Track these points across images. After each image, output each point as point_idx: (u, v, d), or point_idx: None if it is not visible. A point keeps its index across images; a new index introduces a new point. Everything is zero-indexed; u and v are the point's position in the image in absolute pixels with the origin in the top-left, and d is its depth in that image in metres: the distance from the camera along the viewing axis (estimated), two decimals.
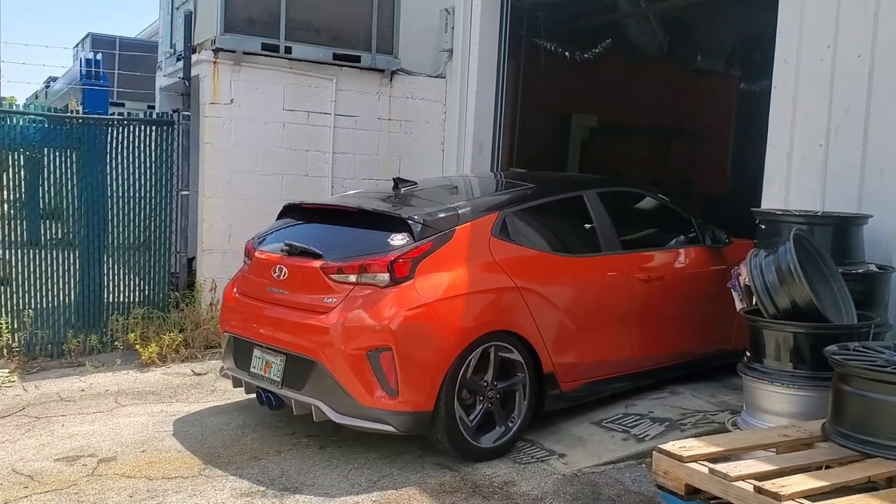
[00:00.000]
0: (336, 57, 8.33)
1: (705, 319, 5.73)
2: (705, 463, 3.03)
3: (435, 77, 9.00)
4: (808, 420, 3.92)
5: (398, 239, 4.97)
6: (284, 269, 5.21)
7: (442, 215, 5.15)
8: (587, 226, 5.88)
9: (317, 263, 5.05)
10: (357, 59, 8.42)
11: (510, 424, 5.16)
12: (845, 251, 4.46)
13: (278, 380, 5.12)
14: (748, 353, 4.21)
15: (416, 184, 5.94)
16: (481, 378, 5.03)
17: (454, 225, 5.11)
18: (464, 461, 5.02)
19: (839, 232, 4.50)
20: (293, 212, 5.94)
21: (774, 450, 3.32)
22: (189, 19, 7.98)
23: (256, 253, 5.56)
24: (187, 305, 7.87)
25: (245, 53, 7.91)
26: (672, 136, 13.14)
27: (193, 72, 8.01)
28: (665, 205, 6.60)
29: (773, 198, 5.46)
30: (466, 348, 4.89)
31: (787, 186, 5.38)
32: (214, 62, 7.86)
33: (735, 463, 2.99)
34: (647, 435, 5.44)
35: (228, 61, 7.89)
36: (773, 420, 4.06)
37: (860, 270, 4.41)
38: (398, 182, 5.83)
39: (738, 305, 4.91)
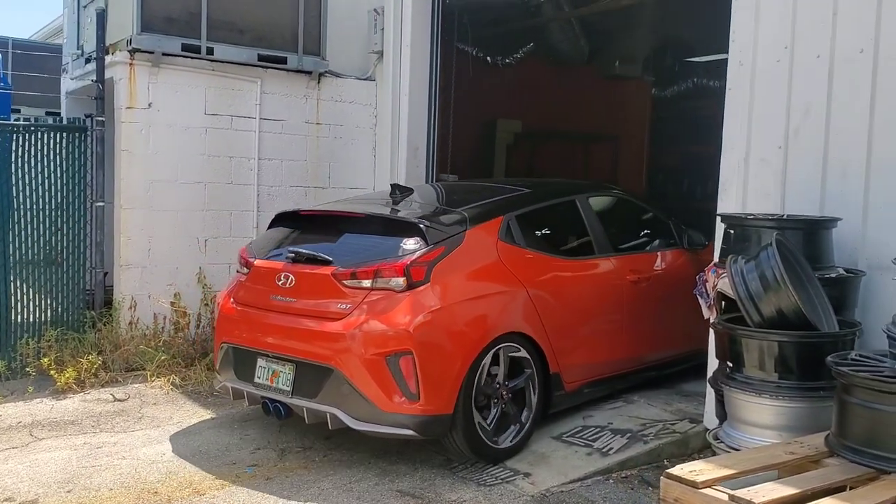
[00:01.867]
0: (261, 58, 7.89)
1: (687, 320, 5.78)
2: (722, 489, 2.82)
3: (364, 79, 8.66)
4: (795, 432, 3.80)
5: (411, 243, 4.98)
6: (291, 276, 5.14)
7: (452, 219, 5.24)
8: (581, 229, 6.03)
9: (328, 270, 5.02)
10: (283, 60, 8.01)
11: (523, 421, 5.25)
12: (816, 255, 4.36)
13: (288, 389, 5.04)
14: (730, 364, 4.05)
15: (412, 190, 5.91)
16: (494, 380, 5.11)
17: (464, 229, 5.19)
18: (482, 463, 5.08)
19: (810, 236, 4.40)
20: (286, 220, 5.89)
21: (778, 470, 3.15)
22: (101, 18, 7.41)
23: (256, 262, 5.47)
24: (105, 325, 7.30)
25: (164, 55, 7.40)
26: (593, 140, 13.19)
27: (107, 74, 7.45)
28: (645, 209, 6.86)
29: (729, 202, 5.35)
30: (483, 350, 4.96)
31: (744, 190, 5.27)
32: (130, 64, 7.31)
33: (756, 488, 2.80)
34: (611, 448, 5.27)
35: (146, 63, 7.36)
36: (759, 433, 3.91)
37: (833, 275, 4.33)
38: (396, 188, 5.82)
39: (707, 313, 4.77)
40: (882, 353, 3.42)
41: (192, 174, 7.68)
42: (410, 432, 4.77)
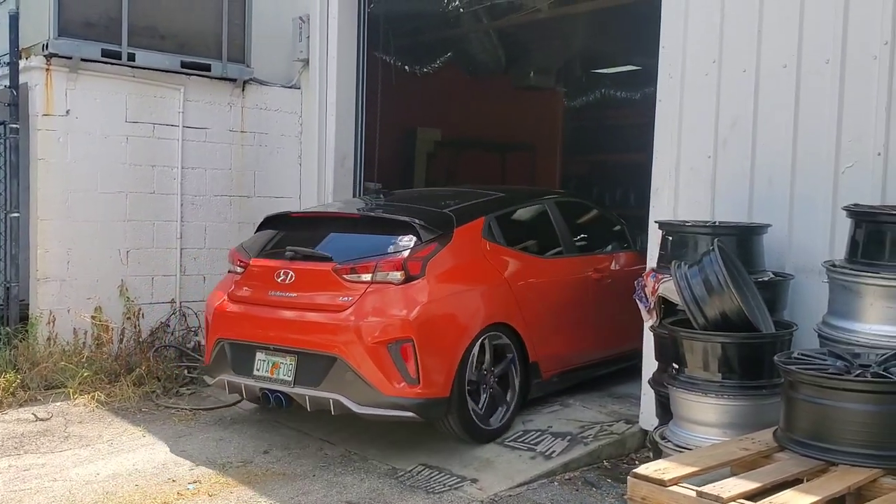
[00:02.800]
0: (184, 65, 7.71)
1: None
2: (688, 486, 2.94)
3: (289, 87, 8.57)
4: (739, 429, 3.98)
5: (406, 240, 5.38)
6: (291, 273, 5.46)
7: (441, 219, 5.66)
8: (551, 231, 6.50)
9: (328, 266, 5.39)
10: (207, 67, 7.84)
11: (508, 403, 5.72)
12: (749, 260, 4.57)
13: (290, 379, 5.32)
14: (675, 365, 4.20)
15: (393, 194, 6.42)
16: (482, 366, 5.53)
17: (452, 227, 5.61)
18: (475, 444, 5.45)
19: (743, 241, 4.61)
20: (275, 222, 6.22)
21: (731, 466, 3.29)
22: (14, 21, 7.10)
23: (252, 260, 5.77)
24: (21, 342, 6.98)
25: (83, 60, 7.14)
26: (510, 148, 13.42)
27: (21, 79, 7.12)
28: (602, 213, 7.38)
29: (660, 209, 5.56)
30: (474, 338, 5.39)
31: (675, 197, 5.48)
32: (47, 69, 7.04)
33: (720, 484, 2.92)
34: (553, 451, 5.38)
35: (63, 68, 7.10)
36: (704, 431, 4.08)
37: (765, 279, 4.55)
38: (379, 192, 6.28)
39: (646, 317, 4.94)
40: (821, 352, 3.62)
41: (112, 183, 7.44)
42: (411, 414, 5.11)
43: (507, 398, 5.70)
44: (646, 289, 4.88)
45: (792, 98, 4.90)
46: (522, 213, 6.46)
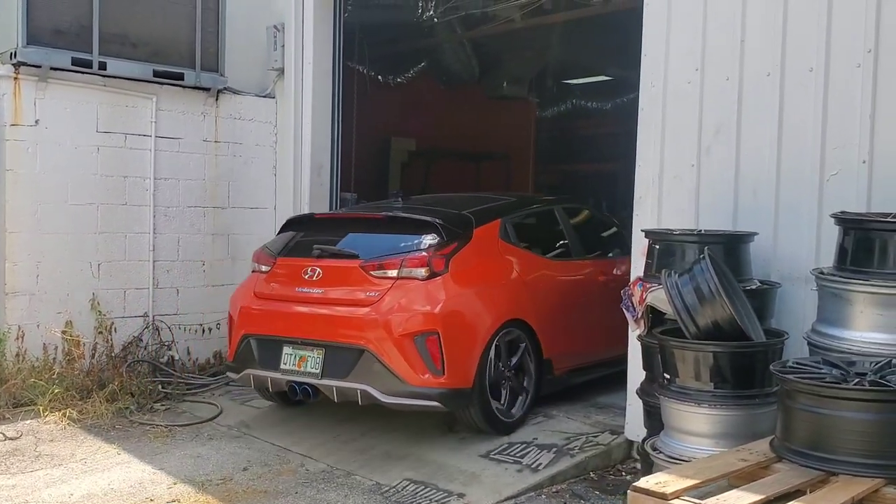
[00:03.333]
0: (157, 74, 7.56)
1: None
2: (690, 499, 2.88)
3: (264, 97, 8.45)
4: (732, 439, 3.95)
5: (429, 239, 5.65)
6: (318, 269, 5.73)
7: (461, 219, 5.96)
8: (560, 235, 6.79)
9: (355, 263, 5.68)
10: (180, 76, 7.70)
11: (525, 397, 5.97)
12: (736, 268, 4.55)
13: (317, 371, 5.55)
14: (666, 375, 4.16)
15: (409, 199, 6.74)
16: (501, 360, 5.77)
17: (472, 227, 5.91)
18: (496, 435, 5.66)
19: (730, 250, 4.59)
20: (297, 224, 6.52)
21: (728, 478, 3.25)
22: None
23: (279, 259, 6.05)
24: None
25: (52, 69, 6.96)
26: (484, 158, 13.41)
27: None
28: (606, 220, 7.71)
29: (644, 217, 5.53)
30: (495, 332, 5.65)
31: (659, 206, 5.46)
32: (15, 78, 6.86)
33: (723, 497, 2.87)
34: (540, 464, 5.32)
35: (32, 77, 6.92)
36: (697, 442, 4.03)
37: (753, 287, 4.53)
38: (398, 196, 6.67)
39: (633, 327, 4.90)
40: (815, 360, 3.59)
41: (83, 195, 7.26)
42: (436, 404, 5.35)
43: (524, 392, 5.96)
44: (633, 298, 4.84)
45: (776, 106, 4.90)
46: (534, 217, 6.84)
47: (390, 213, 6.12)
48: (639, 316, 4.74)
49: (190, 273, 7.94)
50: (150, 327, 7.64)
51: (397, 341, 5.32)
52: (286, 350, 5.70)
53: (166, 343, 7.72)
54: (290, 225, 6.51)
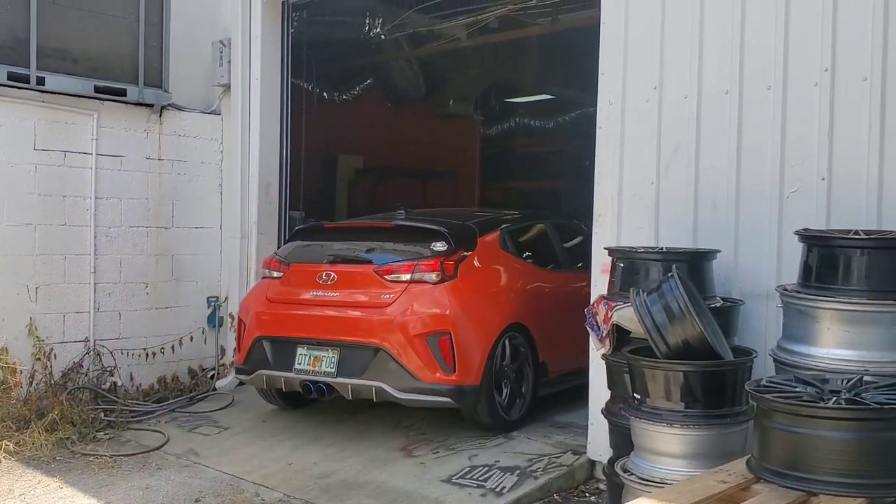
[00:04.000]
0: (98, 90, 7.30)
1: None
2: None
3: (209, 113, 8.23)
4: (704, 459, 3.91)
5: (439, 246, 6.01)
6: (333, 274, 6.06)
7: (466, 228, 6.37)
8: (550, 247, 7.17)
9: (369, 268, 6.03)
10: (122, 92, 7.45)
11: (524, 396, 6.31)
12: (700, 286, 4.53)
13: (332, 370, 5.85)
14: (636, 396, 4.10)
15: (410, 211, 7.05)
16: (503, 361, 6.10)
17: (476, 236, 6.31)
18: (499, 432, 6.00)
19: (694, 267, 4.57)
20: (306, 233, 6.92)
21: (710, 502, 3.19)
22: None
23: (292, 265, 6.36)
24: None
25: None
26: (431, 176, 13.35)
27: None
28: (585, 234, 7.84)
29: (603, 235, 5.51)
30: (500, 334, 6.01)
31: (618, 223, 5.44)
32: None
33: None
34: (504, 487, 5.23)
35: None
36: (669, 462, 3.98)
37: (717, 304, 4.52)
38: (400, 209, 6.94)
39: (598, 346, 4.85)
40: (788, 379, 3.57)
41: (20, 215, 6.94)
42: (447, 399, 5.72)
43: (523, 392, 6.30)
44: (597, 317, 4.80)
45: (735, 123, 4.93)
46: (528, 230, 7.18)
47: (400, 222, 6.49)
48: (603, 335, 4.69)
49: (133, 296, 7.66)
50: (92, 353, 7.33)
51: (411, 341, 5.67)
52: (300, 351, 5.99)
53: (108, 369, 7.42)
54: (299, 234, 6.92)
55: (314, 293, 6.09)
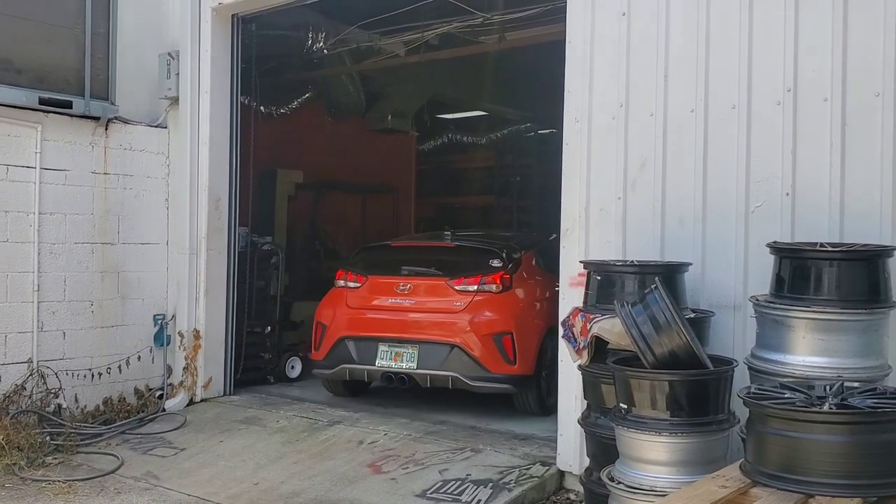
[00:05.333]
0: (42, 101, 7.04)
1: None
2: None
3: (155, 126, 8.04)
4: (690, 466, 4.05)
5: (497, 262, 7.33)
6: (409, 285, 7.32)
7: (513, 248, 7.58)
8: None
9: (441, 280, 7.29)
10: (68, 104, 7.21)
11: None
12: (674, 297, 4.65)
13: (413, 364, 7.07)
14: (623, 405, 4.19)
15: (456, 233, 8.34)
16: (544, 358, 7.06)
17: (520, 254, 7.51)
18: (543, 415, 7.00)
19: (667, 279, 4.68)
20: (374, 250, 8.31)
21: None
22: None
23: (370, 277, 7.55)
24: None
25: None
26: (369, 191, 13.31)
27: None
28: None
29: (571, 249, 5.62)
30: (543, 334, 7.08)
31: (586, 238, 5.56)
32: None
33: None
34: (479, 500, 5.29)
35: None
36: (657, 470, 4.08)
37: (690, 316, 4.66)
38: (448, 231, 8.33)
39: (574, 357, 4.93)
40: (774, 386, 3.72)
41: None
42: (508, 386, 6.98)
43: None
44: (573, 328, 4.88)
45: (701, 141, 5.12)
46: (548, 248, 7.58)
47: (460, 243, 7.90)
48: (581, 346, 4.78)
49: (77, 314, 7.40)
50: (36, 374, 7.03)
51: (482, 339, 6.91)
52: (382, 348, 7.17)
53: (53, 390, 7.14)
54: (367, 251, 8.27)
55: (393, 300, 7.30)
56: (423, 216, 16.14)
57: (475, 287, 7.10)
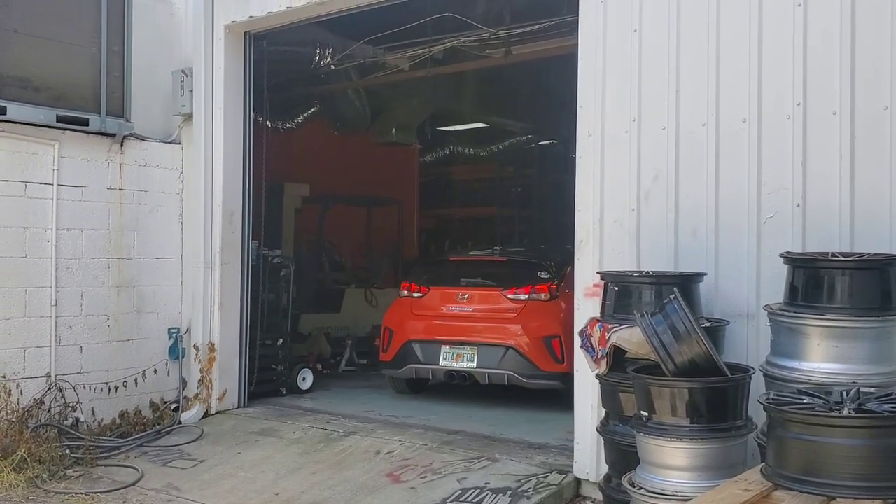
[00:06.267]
0: (60, 119, 7.16)
1: None
2: None
3: (169, 143, 8.16)
4: (710, 471, 4.14)
5: (545, 274, 8.23)
6: (468, 294, 8.33)
7: (558, 262, 8.28)
8: None
9: (496, 290, 8.25)
10: (84, 121, 7.32)
11: None
12: (690, 307, 4.77)
13: (473, 364, 7.95)
14: (644, 413, 4.30)
15: (506, 248, 9.61)
16: None
17: (564, 268, 8.00)
18: None
19: (683, 290, 4.78)
20: (432, 264, 9.64)
21: None
22: None
23: (432, 287, 8.55)
24: None
25: None
26: (374, 203, 13.44)
27: None
28: None
29: (585, 261, 5.73)
30: None
31: (600, 249, 5.67)
32: None
33: None
34: None
35: None
36: (674, 475, 4.18)
37: (706, 325, 4.77)
38: (496, 247, 9.55)
39: (594, 367, 5.03)
40: (793, 392, 3.83)
41: None
42: (557, 383, 7.66)
43: None
44: (591, 338, 4.99)
45: (713, 154, 5.23)
46: None
47: (511, 258, 8.93)
48: (599, 356, 4.88)
49: (94, 329, 7.50)
50: (54, 388, 7.12)
51: (534, 341, 7.77)
52: (444, 350, 8.07)
53: (70, 404, 7.21)
54: (427, 265, 9.61)
55: (453, 308, 8.27)
56: (426, 227, 16.30)
57: (526, 296, 7.98)
